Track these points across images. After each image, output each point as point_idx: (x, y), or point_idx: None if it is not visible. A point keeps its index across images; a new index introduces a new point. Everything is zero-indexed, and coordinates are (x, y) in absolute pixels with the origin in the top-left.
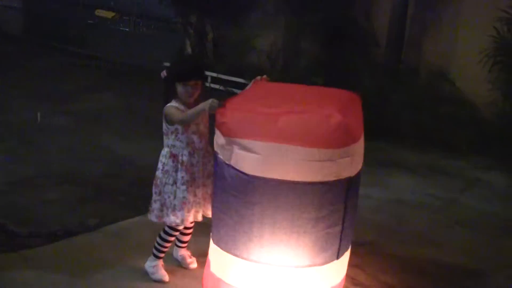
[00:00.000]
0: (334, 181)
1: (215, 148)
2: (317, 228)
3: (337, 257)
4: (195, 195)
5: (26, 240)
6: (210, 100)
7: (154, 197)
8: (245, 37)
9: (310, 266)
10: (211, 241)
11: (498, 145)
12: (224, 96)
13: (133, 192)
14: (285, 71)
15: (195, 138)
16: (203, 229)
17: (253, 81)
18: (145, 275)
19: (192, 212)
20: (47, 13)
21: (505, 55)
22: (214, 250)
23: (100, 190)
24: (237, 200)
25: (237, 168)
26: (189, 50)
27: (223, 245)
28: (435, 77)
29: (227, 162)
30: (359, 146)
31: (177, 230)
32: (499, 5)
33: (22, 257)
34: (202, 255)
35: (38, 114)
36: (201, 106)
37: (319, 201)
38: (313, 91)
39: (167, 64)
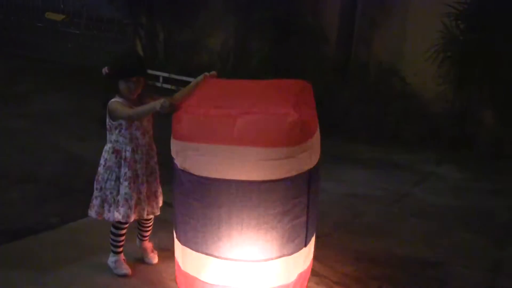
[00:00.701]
0: (296, 175)
1: (172, 154)
2: (283, 222)
3: (305, 245)
4: (139, 192)
5: None
6: (161, 100)
7: (95, 193)
8: (195, 37)
9: (279, 257)
10: (177, 242)
11: (448, 138)
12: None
13: (92, 190)
14: (236, 70)
15: (138, 134)
16: (162, 224)
17: (200, 76)
18: (109, 270)
19: (137, 209)
20: None
21: (453, 50)
22: (183, 251)
23: (59, 189)
24: (201, 204)
25: (196, 173)
26: (139, 50)
27: (193, 246)
28: (385, 73)
29: (183, 168)
30: (316, 138)
31: (123, 227)
32: (447, 1)
33: None
34: (163, 250)
35: None
36: (152, 105)
37: (283, 197)
38: (265, 86)
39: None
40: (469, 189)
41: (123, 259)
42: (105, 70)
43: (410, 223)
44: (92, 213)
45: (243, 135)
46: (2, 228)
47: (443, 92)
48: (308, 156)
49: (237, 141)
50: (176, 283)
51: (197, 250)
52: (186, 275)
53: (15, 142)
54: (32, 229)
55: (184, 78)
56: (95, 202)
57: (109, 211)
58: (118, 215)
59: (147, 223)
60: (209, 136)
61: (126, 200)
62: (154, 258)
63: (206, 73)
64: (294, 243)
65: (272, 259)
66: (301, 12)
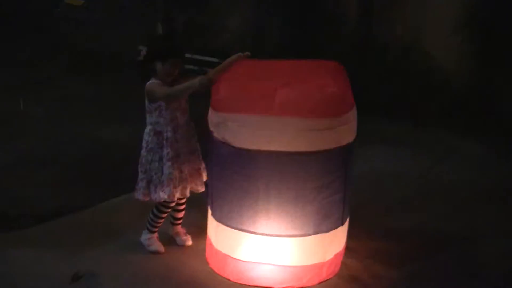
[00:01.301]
0: (335, 148)
1: (210, 127)
2: (321, 196)
3: (342, 223)
4: (181, 171)
5: (16, 221)
6: (200, 77)
7: (140, 175)
8: (214, 19)
9: (316, 233)
10: (211, 219)
11: (471, 114)
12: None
13: (117, 173)
14: (256, 49)
15: (178, 114)
16: (192, 203)
17: (234, 56)
18: (141, 248)
19: (179, 188)
20: (13, 1)
21: (475, 25)
22: (216, 228)
23: (84, 172)
24: (240, 176)
25: (236, 144)
26: (161, 33)
27: (228, 222)
28: (406, 50)
29: (223, 139)
30: (354, 113)
31: (168, 207)
32: None
33: (17, 238)
34: (194, 227)
35: (21, 101)
36: (190, 83)
37: (322, 170)
38: (301, 64)
39: (142, 47)
40: (494, 164)
41: (157, 237)
42: (142, 52)
43: (433, 200)
44: (139, 195)
45: (284, 105)
46: (28, 211)
47: (466, 67)
48: (347, 130)
49: (277, 112)
50: (207, 262)
51: (231, 226)
52: (218, 253)
53: (37, 127)
54: (58, 211)
55: (206, 58)
56: (141, 184)
57: (155, 191)
58: (163, 195)
59: (181, 201)
60: (249, 107)
61: (170, 179)
62: (187, 241)
63: (240, 54)
64: (331, 220)
65: (309, 234)
66: None
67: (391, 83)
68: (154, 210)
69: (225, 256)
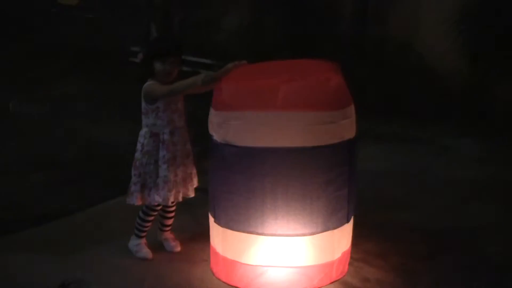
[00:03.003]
0: (339, 143)
1: (210, 130)
2: (327, 191)
3: (347, 220)
4: (175, 175)
5: (11, 224)
6: (202, 74)
7: (134, 179)
8: (210, 17)
9: (324, 231)
10: (214, 226)
11: (465, 112)
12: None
13: (112, 173)
14: (253, 49)
15: (175, 116)
16: (181, 208)
17: (230, 64)
18: (131, 253)
19: (173, 192)
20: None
21: (469, 24)
22: (222, 234)
23: (77, 174)
24: (245, 176)
25: (239, 144)
26: (154, 33)
27: (235, 225)
28: (401, 48)
29: (225, 141)
30: (353, 108)
31: (155, 210)
32: None
33: (10, 241)
34: (183, 232)
35: (11, 104)
36: (193, 79)
37: (327, 164)
38: (300, 63)
39: (135, 48)
40: (488, 161)
41: (145, 243)
42: (139, 56)
43: (431, 197)
44: (131, 199)
45: (288, 100)
46: (23, 214)
47: (459, 65)
48: (349, 125)
49: (281, 107)
50: (213, 273)
51: (238, 230)
52: (225, 261)
53: (32, 128)
54: (52, 214)
55: (200, 59)
56: (135, 188)
57: (149, 195)
58: (158, 198)
59: (171, 208)
60: (253, 104)
61: (165, 182)
62: (177, 247)
63: (237, 62)
64: (338, 216)
65: (317, 233)
66: None
67: (386, 82)
68: (141, 214)
69: (233, 263)
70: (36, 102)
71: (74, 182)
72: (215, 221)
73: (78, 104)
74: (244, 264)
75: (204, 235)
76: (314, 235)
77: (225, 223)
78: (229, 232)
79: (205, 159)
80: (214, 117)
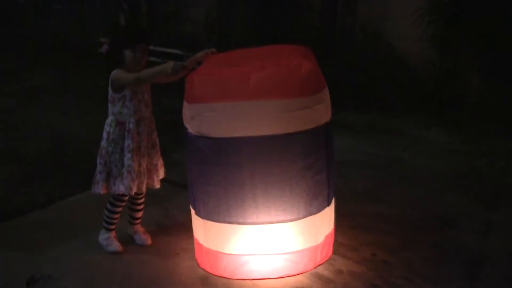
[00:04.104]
0: (315, 128)
1: (184, 123)
2: (307, 177)
3: (328, 204)
4: (139, 165)
5: None
6: (171, 63)
7: (99, 168)
8: (178, 8)
9: (305, 216)
10: (196, 218)
11: (435, 103)
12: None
13: (77, 167)
14: (221, 40)
15: (142, 106)
16: (150, 200)
17: (200, 53)
18: (100, 248)
19: (137, 182)
20: None
21: (439, 13)
22: (204, 226)
23: (45, 167)
24: (223, 167)
25: (214, 135)
26: (123, 23)
27: (215, 217)
28: (370, 39)
29: (199, 133)
30: (327, 93)
31: (123, 201)
32: None
33: None
34: (153, 225)
35: None
36: (161, 67)
37: (304, 150)
38: (269, 49)
39: (103, 39)
40: (457, 151)
41: (115, 236)
42: (105, 47)
43: (400, 188)
44: (96, 188)
45: (260, 89)
46: None
47: (429, 55)
48: (324, 109)
49: (254, 96)
50: (198, 264)
51: (219, 221)
52: (209, 252)
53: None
54: (19, 209)
55: (170, 50)
56: (100, 177)
57: (114, 184)
58: (122, 188)
59: (139, 200)
60: (225, 94)
61: (129, 172)
62: (147, 240)
63: (207, 50)
64: (319, 200)
65: (299, 218)
66: None
67: (356, 73)
68: (108, 206)
69: (217, 253)
70: (4, 95)
71: (40, 176)
72: (195, 213)
73: (45, 96)
74: (227, 254)
75: (174, 228)
76: (296, 221)
77: (205, 215)
78: (210, 223)
79: (174, 152)
80: (187, 110)
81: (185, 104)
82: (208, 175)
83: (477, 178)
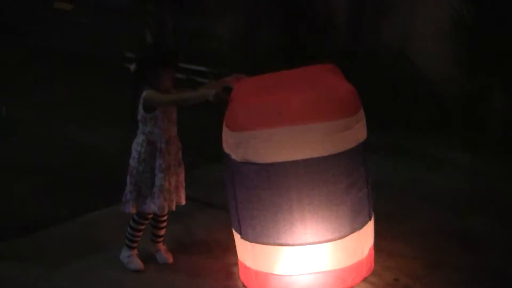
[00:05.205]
0: (355, 147)
1: (226, 150)
2: (351, 195)
3: (370, 218)
4: (169, 184)
5: None
6: (214, 91)
7: (129, 187)
8: (204, 25)
9: (351, 233)
10: (242, 242)
11: (460, 123)
12: (187, 84)
13: (101, 181)
14: (246, 57)
15: (171, 125)
16: (173, 219)
17: (229, 78)
18: (122, 266)
19: (168, 201)
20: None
21: (464, 34)
22: (252, 249)
23: (68, 181)
24: (270, 192)
25: (261, 161)
26: (149, 40)
27: (264, 239)
28: (395, 58)
29: (245, 159)
30: (363, 110)
31: (147, 219)
32: None
33: None
34: (176, 243)
35: (3, 108)
36: (201, 93)
37: (348, 169)
38: (300, 72)
39: (129, 54)
40: (481, 173)
41: (136, 254)
42: (134, 66)
43: (423, 210)
44: (127, 208)
45: (302, 113)
46: (12, 222)
47: (454, 75)
48: (362, 127)
49: (297, 121)
50: (246, 287)
51: (268, 243)
52: (258, 274)
53: (23, 133)
54: (42, 223)
55: (194, 67)
56: (130, 196)
57: (144, 203)
58: (154, 207)
59: (163, 218)
60: (269, 121)
61: (161, 191)
62: (169, 259)
63: (236, 75)
64: (362, 216)
65: (346, 236)
66: None
67: (379, 92)
68: (132, 224)
69: (267, 275)
70: (28, 107)
71: (63, 190)
72: (242, 237)
73: (68, 109)
74: (277, 275)
75: (195, 246)
76: (343, 239)
77: (254, 239)
78: (259, 246)
79: (196, 168)
80: (230, 138)
81: (227, 131)
82: (255, 200)
83: (501, 201)
